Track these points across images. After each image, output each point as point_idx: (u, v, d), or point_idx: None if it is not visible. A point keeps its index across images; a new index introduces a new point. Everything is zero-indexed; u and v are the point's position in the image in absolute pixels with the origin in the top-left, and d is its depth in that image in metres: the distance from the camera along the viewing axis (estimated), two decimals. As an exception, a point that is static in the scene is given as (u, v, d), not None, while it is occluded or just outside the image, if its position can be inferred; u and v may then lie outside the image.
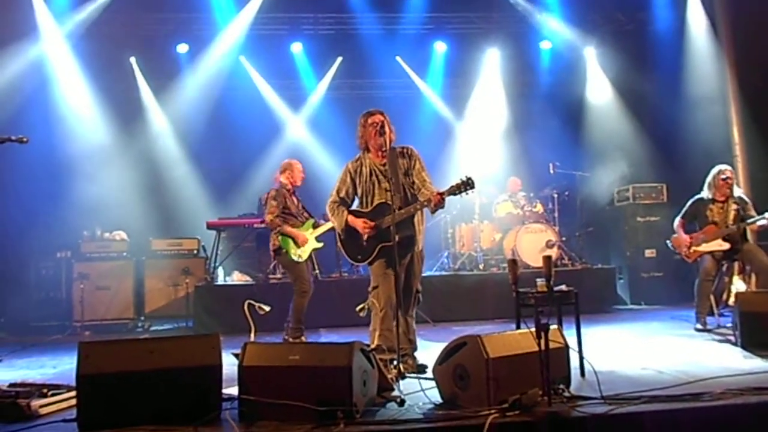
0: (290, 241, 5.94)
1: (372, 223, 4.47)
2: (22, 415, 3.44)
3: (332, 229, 5.99)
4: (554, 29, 10.04)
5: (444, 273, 8.47)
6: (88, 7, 8.65)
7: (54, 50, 8.67)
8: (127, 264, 7.98)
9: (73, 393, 3.54)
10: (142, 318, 7.94)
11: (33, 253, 8.03)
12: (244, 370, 3.36)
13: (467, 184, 4.28)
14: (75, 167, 8.56)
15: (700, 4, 9.03)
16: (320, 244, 6.23)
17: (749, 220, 5.93)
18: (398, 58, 10.49)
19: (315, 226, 6.24)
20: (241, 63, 10.18)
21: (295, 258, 5.94)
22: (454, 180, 4.32)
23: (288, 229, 5.95)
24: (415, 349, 4.62)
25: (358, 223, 4.52)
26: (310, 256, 6.11)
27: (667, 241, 6.50)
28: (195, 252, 8.18)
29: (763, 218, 5.81)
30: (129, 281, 7.91)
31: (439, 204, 4.32)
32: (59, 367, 5.27)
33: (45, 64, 8.61)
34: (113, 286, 7.82)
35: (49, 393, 3.71)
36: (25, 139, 4.25)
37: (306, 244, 6.02)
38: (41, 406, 3.55)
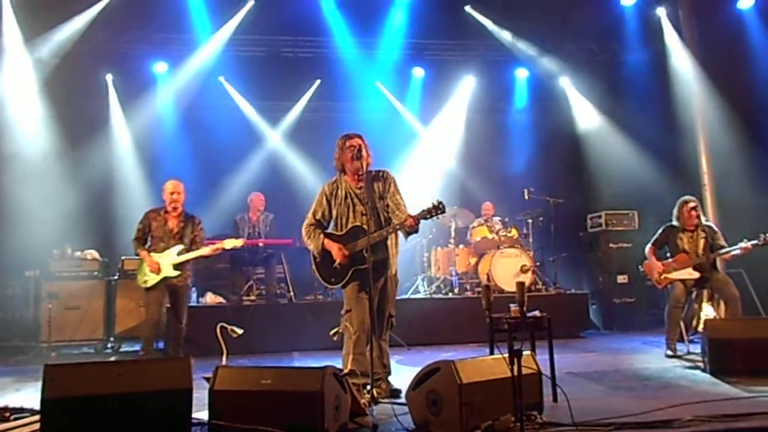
0: (142, 265, 5.82)
1: (347, 252, 4.47)
2: (-17, 440, 3.35)
3: (203, 257, 5.86)
4: (530, 58, 10.24)
5: (419, 297, 8.47)
6: (64, 28, 8.60)
7: (23, 70, 8.53)
8: (98, 284, 7.81)
9: (36, 417, 3.44)
10: (112, 339, 7.77)
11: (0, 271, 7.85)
12: (214, 395, 3.31)
13: (438, 209, 4.32)
14: (45, 185, 8.42)
15: (675, 35, 9.26)
16: (175, 273, 5.77)
17: (721, 251, 6.05)
18: (378, 84, 10.58)
19: (182, 252, 5.86)
20: (220, 83, 10.17)
21: (140, 283, 5.80)
22: (428, 204, 4.36)
23: (140, 252, 5.82)
24: (388, 373, 4.60)
25: (334, 249, 4.52)
26: (162, 285, 5.76)
27: (639, 267, 6.61)
28: (168, 272, 8.06)
29: (736, 249, 5.94)
30: (99, 301, 7.73)
31: (413, 228, 4.36)
32: (23, 389, 5.12)
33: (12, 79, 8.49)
34: (83, 306, 7.64)
35: (12, 417, 3.62)
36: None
37: (155, 270, 5.73)
38: (2, 431, 3.45)
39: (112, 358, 6.91)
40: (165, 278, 5.77)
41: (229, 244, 5.97)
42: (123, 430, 3.17)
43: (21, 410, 3.76)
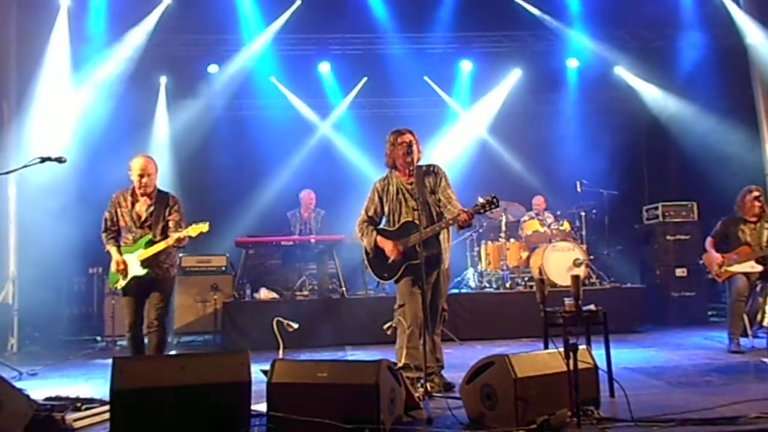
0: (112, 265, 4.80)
1: (400, 248, 4.50)
2: (57, 429, 3.52)
3: (173, 247, 4.74)
4: (581, 46, 10.02)
5: (470, 291, 8.44)
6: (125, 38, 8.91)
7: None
8: (157, 280, 8.07)
9: (106, 407, 3.61)
10: (171, 333, 8.04)
11: (66, 269, 8.20)
12: (272, 387, 3.40)
13: (492, 203, 4.31)
14: (106, 185, 8.70)
15: (747, 18, 8.79)
16: (143, 272, 4.68)
17: None
18: (426, 78, 10.56)
19: (149, 244, 4.72)
20: (269, 82, 10.35)
21: (111, 285, 4.92)
22: (481, 198, 4.35)
23: (109, 247, 4.78)
24: (442, 367, 4.62)
25: (387, 246, 4.55)
26: (135, 288, 4.72)
27: (700, 260, 6.40)
28: (223, 269, 8.27)
29: None
30: (159, 297, 8.00)
31: (466, 222, 4.34)
32: (91, 381, 5.36)
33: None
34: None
35: (83, 407, 3.80)
36: (63, 159, 4.43)
37: (120, 270, 4.70)
38: (75, 420, 3.63)
39: (173, 352, 7.15)
40: (135, 278, 4.73)
41: (195, 231, 4.75)
42: (186, 419, 3.28)
43: (92, 401, 3.95)
